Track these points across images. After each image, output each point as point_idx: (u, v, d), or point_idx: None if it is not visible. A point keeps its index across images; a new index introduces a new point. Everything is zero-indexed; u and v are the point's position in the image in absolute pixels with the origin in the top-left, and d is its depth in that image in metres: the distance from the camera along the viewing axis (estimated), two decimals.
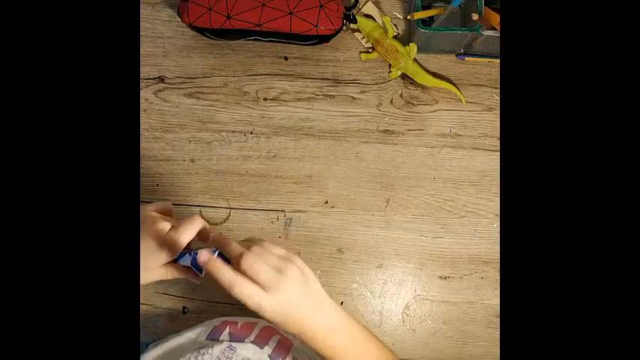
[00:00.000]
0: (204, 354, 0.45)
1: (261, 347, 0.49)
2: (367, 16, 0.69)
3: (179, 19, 0.65)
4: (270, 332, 0.52)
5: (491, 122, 0.69)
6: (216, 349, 0.45)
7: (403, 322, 0.67)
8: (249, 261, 0.38)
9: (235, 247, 0.40)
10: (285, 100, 0.69)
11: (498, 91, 0.69)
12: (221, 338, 0.50)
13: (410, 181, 0.68)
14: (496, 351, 0.67)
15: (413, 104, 0.69)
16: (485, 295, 0.67)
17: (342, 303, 0.67)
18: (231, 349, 0.46)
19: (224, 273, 0.37)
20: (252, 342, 0.50)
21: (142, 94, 0.69)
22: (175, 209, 0.68)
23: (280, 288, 0.37)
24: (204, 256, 0.39)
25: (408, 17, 0.66)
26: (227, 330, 0.52)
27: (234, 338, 0.50)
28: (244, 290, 0.37)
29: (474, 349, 0.67)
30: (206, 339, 0.50)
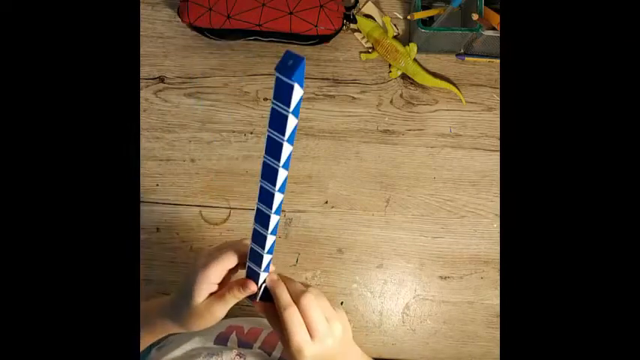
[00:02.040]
0: None
1: (269, 354, 0.49)
2: (367, 16, 0.69)
3: (179, 19, 0.65)
4: (278, 338, 0.52)
5: (491, 122, 0.69)
6: (226, 358, 0.45)
7: (403, 322, 0.67)
8: (309, 300, 0.36)
9: (295, 286, 0.37)
10: None
11: (498, 91, 0.69)
12: (229, 344, 0.50)
13: (410, 181, 0.68)
14: (496, 351, 0.67)
15: (413, 104, 0.69)
16: (486, 295, 0.67)
17: (342, 303, 0.67)
18: (241, 357, 0.46)
19: (284, 298, 0.36)
20: (260, 348, 0.50)
21: (142, 94, 0.69)
22: (175, 209, 0.68)
23: (325, 342, 0.36)
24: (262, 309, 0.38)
25: (408, 17, 0.66)
26: (234, 335, 0.52)
27: (242, 344, 0.50)
28: (296, 325, 0.35)
29: (474, 349, 0.67)
30: (214, 344, 0.50)
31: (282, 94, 0.25)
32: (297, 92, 0.25)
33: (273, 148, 0.28)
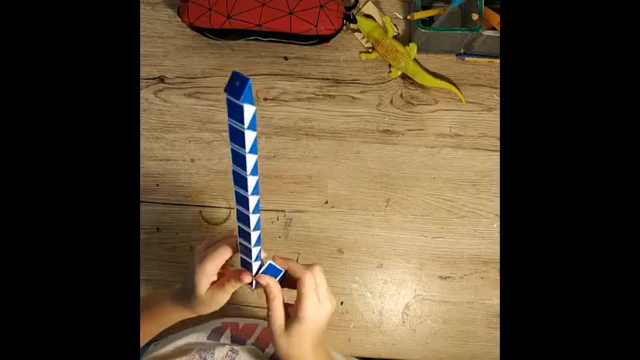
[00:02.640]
0: (205, 358, 0.45)
1: (263, 350, 0.49)
2: (367, 16, 0.69)
3: (179, 19, 0.65)
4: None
5: (491, 122, 0.69)
6: (218, 354, 0.45)
7: (403, 322, 0.67)
8: (318, 269, 0.40)
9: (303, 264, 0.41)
10: (285, 100, 0.69)
11: (498, 91, 0.69)
12: (222, 340, 0.50)
13: (410, 181, 0.68)
14: (496, 351, 0.67)
15: (413, 104, 0.69)
16: (486, 295, 0.67)
17: (342, 303, 0.67)
18: (234, 353, 0.46)
19: (299, 267, 0.39)
20: (253, 344, 0.50)
21: (142, 94, 0.69)
22: (175, 209, 0.68)
23: (326, 306, 0.39)
24: (265, 280, 0.40)
25: (408, 17, 0.66)
26: (228, 331, 0.52)
27: (236, 340, 0.50)
28: (312, 288, 0.39)
29: (474, 349, 0.67)
30: (207, 340, 0.50)
31: (236, 113, 0.26)
32: (249, 110, 0.26)
33: (239, 160, 0.30)
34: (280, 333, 0.39)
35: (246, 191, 0.32)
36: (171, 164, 0.68)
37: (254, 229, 0.35)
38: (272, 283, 0.39)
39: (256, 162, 0.30)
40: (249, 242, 0.36)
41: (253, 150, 0.29)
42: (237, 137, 0.28)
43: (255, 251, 0.38)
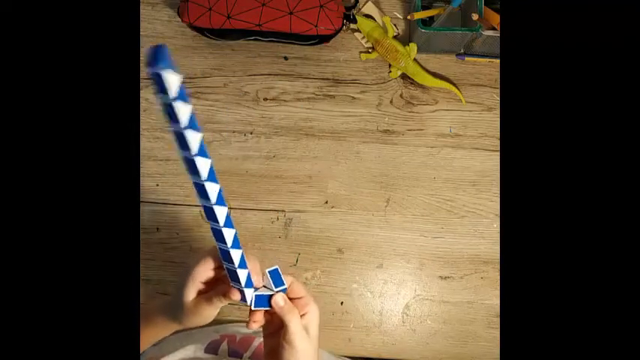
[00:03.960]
0: None
1: None
2: (367, 16, 0.69)
3: (179, 19, 0.65)
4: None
5: (491, 122, 0.69)
6: None
7: (403, 322, 0.67)
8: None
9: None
10: (285, 100, 0.69)
11: (498, 91, 0.69)
12: (219, 353, 0.50)
13: (410, 181, 0.68)
14: (496, 351, 0.67)
15: (413, 104, 0.69)
16: (486, 295, 0.67)
17: (342, 303, 0.67)
18: None
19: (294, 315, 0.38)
20: (250, 358, 0.49)
21: (142, 94, 0.69)
22: (175, 209, 0.68)
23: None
24: (280, 300, 0.38)
25: (408, 17, 0.66)
26: (225, 344, 0.52)
27: (232, 353, 0.50)
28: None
29: (474, 349, 0.67)
30: (204, 354, 0.50)
31: (160, 86, 0.24)
32: (173, 78, 0.24)
33: (181, 142, 0.28)
34: (302, 333, 0.37)
35: (200, 178, 0.29)
36: (171, 164, 0.68)
37: (232, 247, 0.33)
38: (286, 304, 0.37)
39: (202, 143, 0.28)
40: (231, 262, 0.35)
41: (193, 126, 0.27)
42: (170, 115, 0.26)
43: (241, 275, 0.35)
